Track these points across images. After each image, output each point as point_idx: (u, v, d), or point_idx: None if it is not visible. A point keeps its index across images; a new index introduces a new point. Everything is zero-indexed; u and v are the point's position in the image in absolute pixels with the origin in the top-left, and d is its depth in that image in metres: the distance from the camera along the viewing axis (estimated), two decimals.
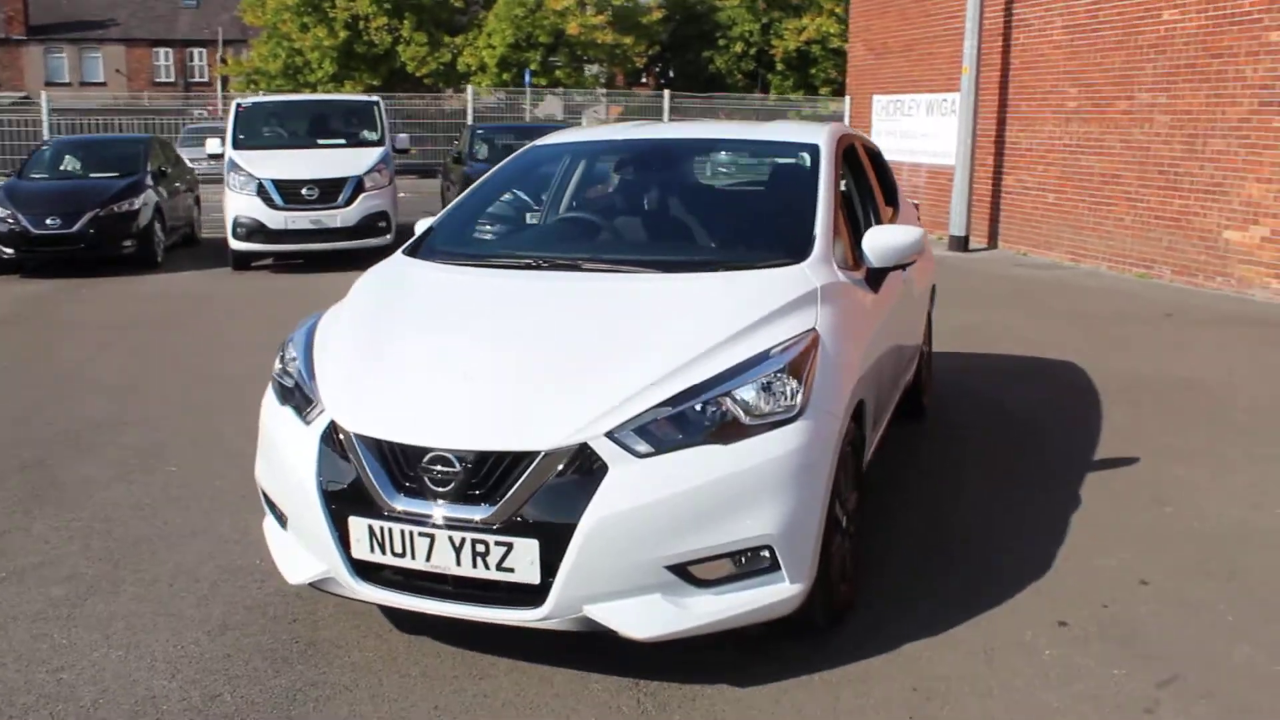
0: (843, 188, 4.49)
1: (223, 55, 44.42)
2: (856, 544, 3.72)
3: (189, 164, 15.21)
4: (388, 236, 12.31)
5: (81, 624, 3.61)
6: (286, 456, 3.27)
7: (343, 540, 3.11)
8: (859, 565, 3.76)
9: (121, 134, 17.95)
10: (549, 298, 3.67)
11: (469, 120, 20.39)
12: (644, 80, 42.75)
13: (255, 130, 12.67)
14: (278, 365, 3.64)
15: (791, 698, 3.12)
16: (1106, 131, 12.21)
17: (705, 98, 24.08)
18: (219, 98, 36.12)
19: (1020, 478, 5.10)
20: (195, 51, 49.34)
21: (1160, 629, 3.56)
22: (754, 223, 4.30)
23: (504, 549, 2.91)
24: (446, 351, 3.36)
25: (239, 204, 11.72)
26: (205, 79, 47.89)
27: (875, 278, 4.12)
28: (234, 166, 11.88)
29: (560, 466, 2.91)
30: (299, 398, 3.39)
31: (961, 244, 14.01)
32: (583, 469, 2.91)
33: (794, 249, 3.79)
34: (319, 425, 3.21)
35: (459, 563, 2.96)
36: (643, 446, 2.93)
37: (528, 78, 28.28)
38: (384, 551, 3.04)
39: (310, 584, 3.28)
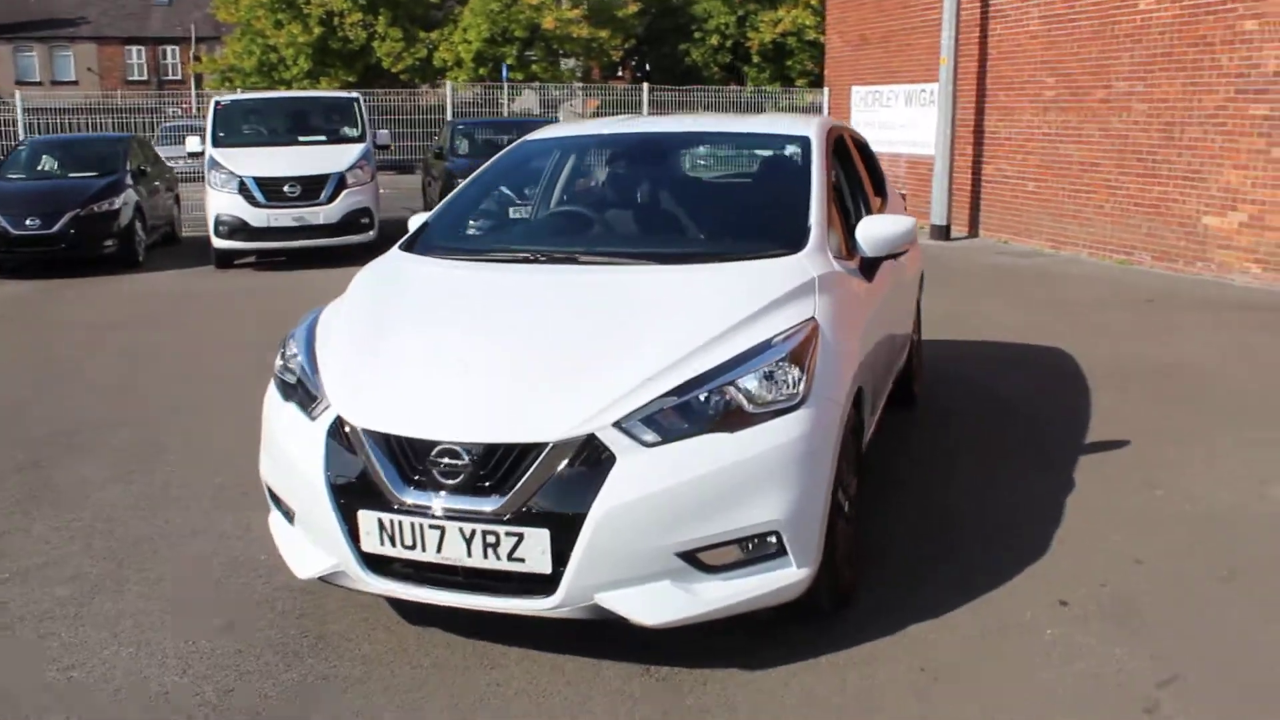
0: (833, 179, 4.53)
1: (196, 53, 44.02)
2: (857, 528, 3.77)
3: (167, 163, 15.12)
4: (370, 233, 12.30)
5: (89, 623, 3.62)
6: (292, 452, 3.29)
7: (352, 534, 3.13)
8: (859, 549, 3.81)
9: (99, 133, 17.77)
10: (550, 291, 3.70)
11: (448, 116, 20.33)
12: (620, 74, 42.71)
13: (235, 128, 12.61)
14: (279, 362, 3.65)
15: (800, 680, 3.16)
16: (1085, 120, 12.33)
17: (684, 90, 24.08)
18: (193, 96, 35.86)
19: (1013, 462, 5.17)
20: (168, 49, 48.92)
21: (1157, 607, 3.63)
22: (749, 215, 4.34)
23: (515, 539, 2.94)
24: (451, 345, 3.39)
25: (221, 202, 11.67)
26: (179, 77, 47.49)
27: (869, 267, 4.17)
28: (215, 164, 11.82)
29: (569, 457, 2.94)
30: (302, 394, 3.41)
31: (943, 233, 14.10)
32: (591, 459, 2.94)
33: (790, 240, 3.83)
34: (325, 420, 3.23)
35: (470, 554, 2.99)
36: (650, 436, 2.97)
37: (505, 73, 28.20)
38: (394, 544, 3.06)
39: (319, 578, 3.30)
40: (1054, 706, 3.03)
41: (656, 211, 4.45)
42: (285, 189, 11.66)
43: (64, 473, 5.21)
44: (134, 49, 48.58)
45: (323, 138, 12.62)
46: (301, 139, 12.52)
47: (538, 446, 2.94)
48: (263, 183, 11.63)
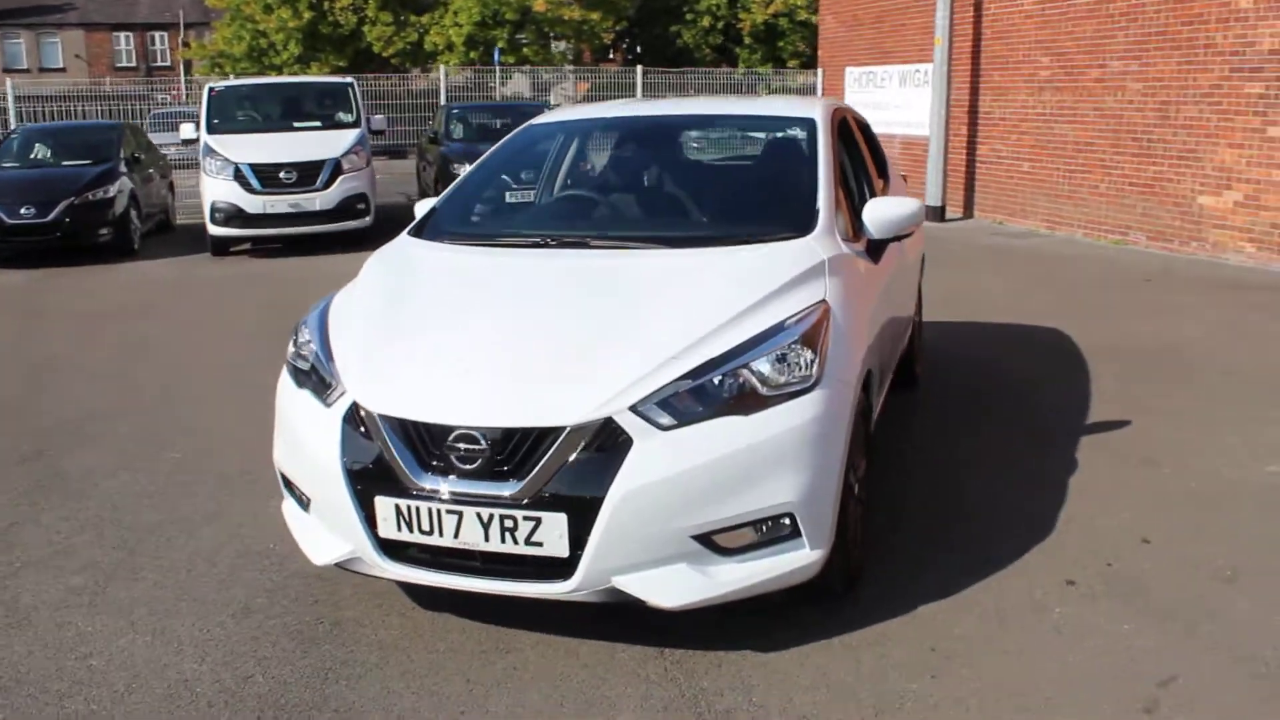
0: (839, 161, 4.54)
1: (185, 39, 43.76)
2: (865, 510, 3.80)
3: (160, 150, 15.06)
4: (367, 219, 12.28)
5: (104, 611, 3.64)
6: (308, 439, 3.30)
7: (369, 520, 3.14)
8: (868, 531, 3.84)
9: (93, 120, 17.69)
10: (562, 275, 3.71)
11: (442, 100, 20.24)
12: (611, 56, 42.55)
13: (229, 114, 12.56)
14: (291, 349, 3.65)
15: (814, 661, 3.19)
16: (1080, 100, 12.34)
17: (677, 72, 24.00)
18: (182, 82, 35.65)
19: (1016, 442, 5.20)
20: (156, 35, 48.58)
21: (1164, 585, 3.67)
22: (757, 197, 4.36)
23: (532, 524, 2.96)
24: (467, 330, 3.40)
25: (216, 189, 11.62)
26: (168, 63, 47.17)
27: (875, 249, 4.18)
28: (209, 151, 11.78)
29: (586, 441, 2.96)
30: (316, 380, 3.42)
31: (938, 214, 14.11)
32: (608, 443, 2.96)
33: (798, 223, 3.84)
34: (340, 407, 3.24)
35: (487, 538, 3.01)
36: (666, 419, 2.99)
37: (496, 56, 28.08)
38: (411, 530, 3.08)
39: (336, 565, 3.32)
40: (1067, 683, 3.06)
41: (665, 195, 4.45)
42: (281, 175, 11.62)
43: (70, 462, 5.21)
44: (122, 35, 48.23)
45: (318, 123, 12.57)
46: (296, 125, 12.47)
47: (555, 431, 2.95)
48: (258, 169, 11.59)
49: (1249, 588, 3.64)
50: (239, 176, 11.57)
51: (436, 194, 13.62)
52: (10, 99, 17.04)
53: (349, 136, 12.28)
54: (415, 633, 3.42)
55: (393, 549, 3.16)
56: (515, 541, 2.99)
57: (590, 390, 3.01)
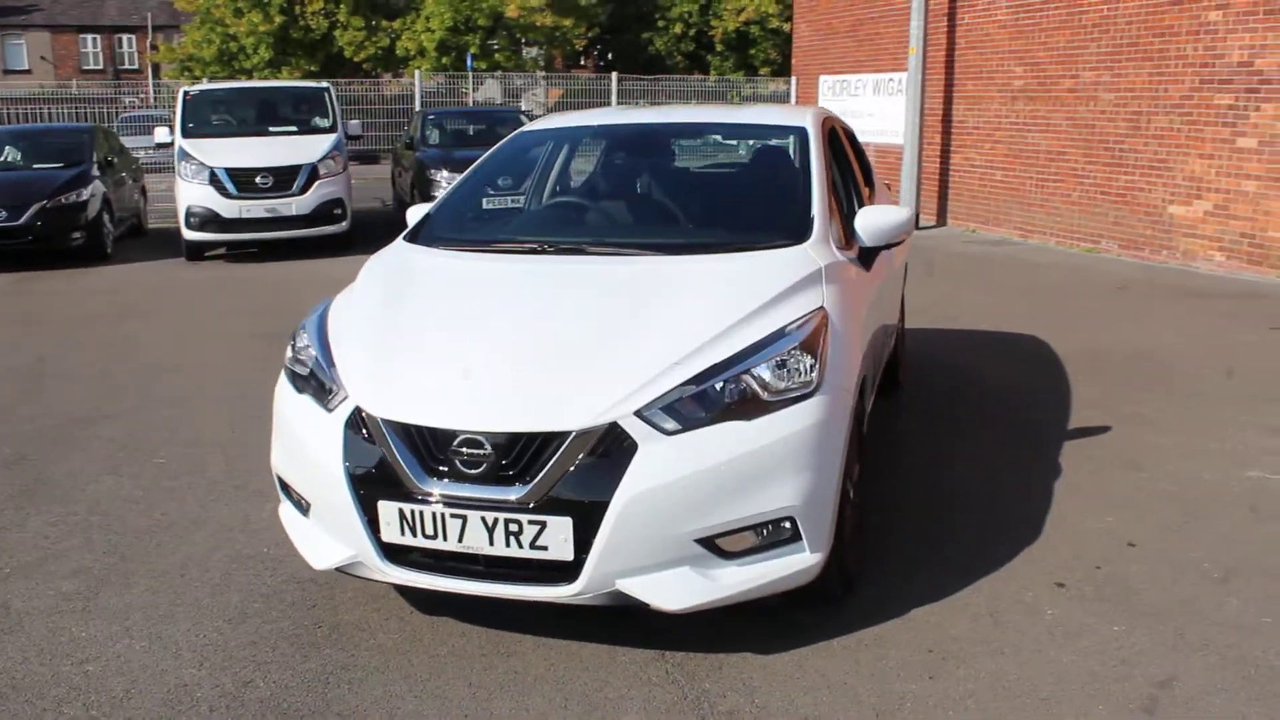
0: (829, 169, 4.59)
1: (153, 42, 43.35)
2: (859, 514, 3.84)
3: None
4: (344, 224, 12.24)
5: (98, 616, 3.61)
6: (309, 444, 3.30)
7: (371, 524, 3.14)
8: (862, 534, 3.88)
9: (64, 123, 17.51)
10: (562, 281, 3.73)
11: (416, 106, 20.21)
12: (582, 63, 42.60)
13: (204, 118, 12.47)
14: (289, 353, 3.65)
15: (814, 663, 3.23)
16: (1052, 109, 12.50)
17: (652, 79, 24.09)
18: (150, 85, 35.30)
19: (999, 448, 5.27)
20: (124, 38, 48.04)
21: (1152, 587, 3.73)
22: (751, 205, 4.39)
23: (537, 528, 2.98)
24: (469, 335, 3.41)
25: (191, 193, 11.54)
26: (135, 66, 46.67)
27: (867, 256, 4.23)
28: (185, 155, 11.69)
29: (591, 445, 2.98)
30: (316, 385, 3.41)
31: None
32: (613, 447, 2.98)
33: (794, 230, 3.88)
34: (342, 412, 3.24)
35: (492, 543, 3.02)
36: (670, 424, 3.01)
37: (469, 62, 28.03)
38: (415, 534, 3.09)
39: (336, 569, 3.31)
40: (1062, 684, 3.11)
41: (659, 202, 4.48)
42: (257, 180, 11.56)
43: (54, 467, 5.16)
44: (89, 37, 47.66)
45: (294, 128, 12.50)
46: (272, 129, 12.40)
47: (560, 435, 2.97)
48: (234, 174, 11.51)
49: (1237, 589, 3.71)
50: (214, 181, 11.49)
51: (413, 199, 13.64)
52: None
53: (326, 142, 12.23)
54: (415, 637, 3.42)
55: (395, 553, 3.16)
56: (520, 545, 3.00)
57: (595, 395, 3.03)
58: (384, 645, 3.38)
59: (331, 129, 12.58)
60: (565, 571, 3.02)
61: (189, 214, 11.57)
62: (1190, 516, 4.38)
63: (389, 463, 3.10)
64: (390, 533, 3.12)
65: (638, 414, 3.00)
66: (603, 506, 2.94)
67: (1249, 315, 8.51)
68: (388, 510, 3.10)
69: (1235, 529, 4.25)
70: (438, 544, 3.07)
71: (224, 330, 8.36)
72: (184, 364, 7.26)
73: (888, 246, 4.30)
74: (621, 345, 3.22)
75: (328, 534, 3.32)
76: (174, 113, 12.55)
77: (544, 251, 3.97)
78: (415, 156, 13.70)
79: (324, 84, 13.62)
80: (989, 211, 13.81)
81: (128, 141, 16.94)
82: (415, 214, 4.50)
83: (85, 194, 11.65)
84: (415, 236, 4.28)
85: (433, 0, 31.27)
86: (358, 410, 3.20)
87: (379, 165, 21.45)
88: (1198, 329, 8.09)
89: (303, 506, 3.44)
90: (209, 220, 11.56)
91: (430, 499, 3.04)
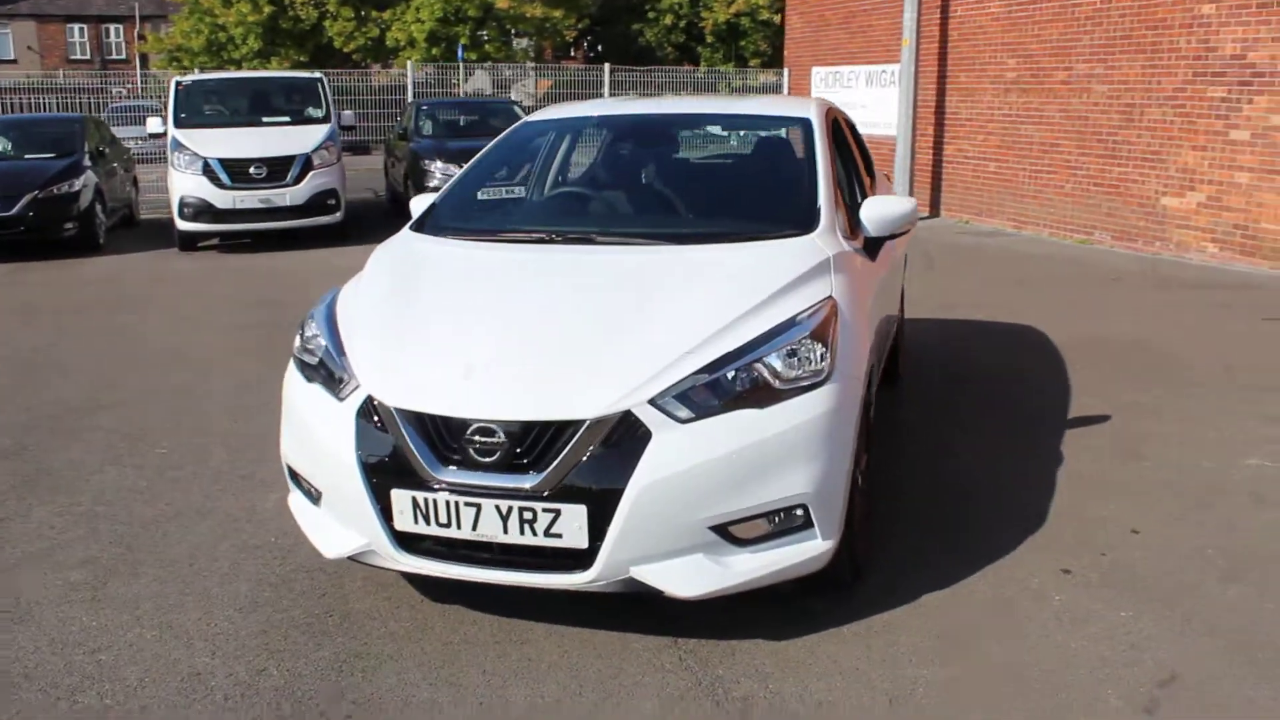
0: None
1: (141, 32, 43.06)
2: (868, 501, 3.86)
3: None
4: (337, 214, 12.20)
5: (108, 606, 3.61)
6: (321, 433, 3.30)
7: (384, 513, 3.15)
8: (869, 522, 3.90)
9: (55, 113, 17.41)
10: (572, 270, 3.74)
11: (409, 97, 20.14)
12: (572, 54, 42.51)
13: (197, 108, 12.41)
14: (297, 343, 3.65)
15: (825, 649, 3.25)
16: (1046, 101, 12.53)
17: (644, 70, 24.04)
18: (138, 75, 35.09)
19: (1001, 436, 5.30)
20: (111, 28, 47.67)
21: (1158, 573, 3.76)
22: (758, 195, 4.40)
23: (552, 515, 2.99)
24: (481, 324, 3.41)
25: (185, 184, 11.48)
26: (123, 56, 46.33)
27: (871, 246, 4.25)
28: (178, 145, 11.63)
29: (605, 434, 2.98)
30: (326, 374, 3.41)
31: None
32: (627, 435, 2.99)
33: (801, 220, 3.90)
34: (354, 401, 3.24)
35: (506, 531, 3.03)
36: (684, 413, 3.03)
37: (460, 53, 27.94)
38: (428, 523, 3.09)
39: (348, 558, 3.32)
40: (1072, 669, 3.14)
41: (665, 192, 4.49)
42: (251, 170, 11.51)
43: (55, 457, 5.15)
44: (76, 27, 47.28)
45: (287, 118, 12.45)
46: (266, 120, 12.35)
47: (574, 424, 2.98)
48: (228, 164, 11.46)
49: (1241, 575, 3.74)
50: (208, 171, 11.44)
51: (407, 190, 13.60)
52: None
53: (319, 132, 12.18)
54: (427, 625, 3.43)
55: (408, 541, 3.17)
56: (534, 533, 3.01)
57: (609, 383, 3.03)
58: (396, 633, 3.38)
59: (325, 119, 12.54)
60: (579, 559, 3.03)
61: (182, 204, 11.52)
62: (1192, 504, 4.42)
63: (402, 451, 3.10)
64: (403, 521, 3.12)
65: (651, 402, 3.01)
66: (617, 494, 2.95)
67: (1242, 306, 8.57)
68: (401, 499, 3.10)
69: (1237, 516, 4.29)
70: (451, 532, 3.08)
71: (220, 321, 8.34)
72: (181, 354, 7.24)
73: (892, 237, 4.32)
74: (634, 334, 3.23)
75: (339, 523, 3.32)
76: (165, 103, 12.48)
77: (552, 241, 3.98)
78: (409, 147, 13.65)
79: (317, 74, 13.56)
80: (982, 203, 13.85)
81: (117, 132, 16.86)
82: (420, 204, 4.50)
83: (77, 184, 11.58)
84: (421, 226, 4.28)
85: None
86: (370, 399, 3.20)
87: (370, 156, 21.36)
88: (1192, 320, 8.14)
89: (313, 495, 3.44)
90: (203, 210, 11.51)
91: (444, 487, 3.04)
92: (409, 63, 22.80)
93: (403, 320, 3.49)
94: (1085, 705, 2.96)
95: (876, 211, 4.17)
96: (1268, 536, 4.08)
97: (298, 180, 11.72)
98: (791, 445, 3.09)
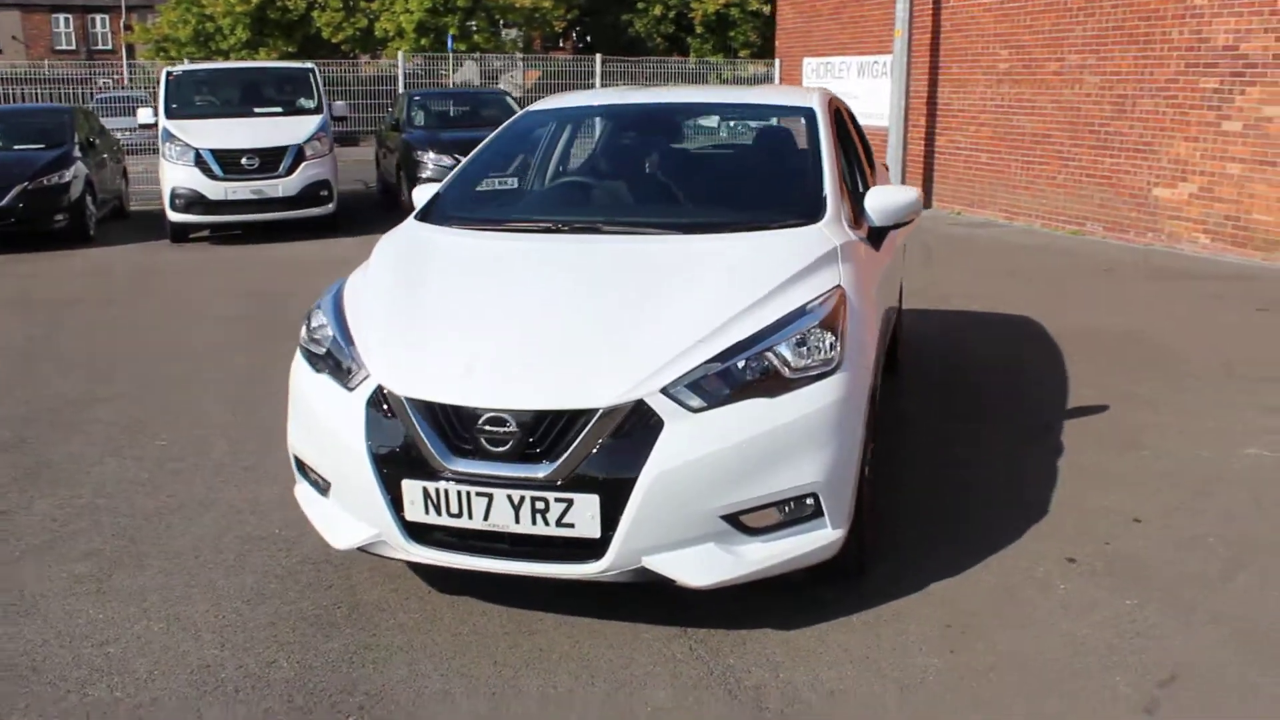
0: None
1: (127, 22, 42.77)
2: (873, 490, 3.87)
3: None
4: (329, 206, 12.16)
5: (114, 598, 3.59)
6: (331, 424, 3.29)
7: (395, 503, 3.14)
8: (876, 510, 3.91)
9: (44, 104, 17.29)
10: (580, 259, 3.73)
11: (400, 88, 20.05)
12: (561, 45, 42.37)
13: (188, 99, 12.33)
14: (304, 333, 3.63)
15: (835, 638, 3.26)
16: (1038, 92, 12.56)
17: (635, 61, 24.01)
18: (124, 66, 34.88)
19: (1000, 427, 5.32)
20: (97, 18, 47.32)
21: (1161, 563, 3.79)
22: (763, 185, 4.41)
23: (564, 505, 2.99)
24: (491, 313, 3.41)
25: (176, 175, 11.42)
26: (109, 46, 46.01)
27: (876, 236, 4.26)
28: (169, 136, 11.56)
29: (618, 423, 2.98)
30: (333, 364, 3.40)
31: None
32: (640, 425, 2.99)
33: (807, 210, 3.90)
34: (364, 391, 3.23)
35: (518, 520, 3.03)
36: (696, 401, 3.03)
37: (450, 43, 27.84)
38: (439, 513, 3.09)
39: (358, 548, 3.31)
40: (1080, 655, 3.16)
41: (671, 181, 4.48)
42: (243, 161, 11.45)
43: (54, 450, 5.12)
44: (61, 17, 46.90)
45: (279, 109, 12.38)
46: (257, 110, 12.27)
47: (587, 413, 2.98)
48: (220, 155, 11.40)
49: (1244, 564, 3.77)
50: (200, 162, 11.38)
51: (399, 181, 13.52)
52: None
53: (312, 123, 12.13)
54: (436, 616, 3.43)
55: (418, 532, 3.17)
56: (546, 523, 3.01)
57: (621, 373, 3.03)
58: (405, 624, 3.38)
59: (317, 110, 12.49)
60: (591, 549, 3.03)
61: (174, 195, 11.46)
62: (1193, 493, 4.44)
63: (413, 441, 3.09)
64: (414, 511, 3.12)
65: (664, 391, 3.01)
66: (630, 483, 2.95)
67: (1235, 297, 8.61)
68: (411, 489, 3.10)
69: (1237, 505, 4.32)
70: (462, 522, 3.08)
71: (214, 312, 8.31)
72: (176, 346, 7.21)
73: (896, 226, 4.32)
74: (644, 323, 3.23)
75: (349, 513, 3.31)
76: (154, 93, 12.39)
77: (558, 231, 3.97)
78: (401, 138, 13.60)
79: (309, 64, 13.49)
80: (974, 194, 13.88)
81: (104, 123, 16.74)
82: (424, 193, 4.48)
83: (68, 175, 11.51)
84: (426, 215, 4.27)
85: None
86: (380, 389, 3.19)
87: (359, 147, 21.28)
88: (1185, 310, 8.18)
89: (321, 486, 3.43)
90: (194, 202, 11.45)
91: (455, 477, 3.04)
92: (399, 53, 22.70)
93: (412, 310, 3.48)
94: (1096, 693, 2.97)
95: (881, 201, 4.17)
96: (1270, 525, 4.11)
97: (290, 171, 11.67)
98: (802, 434, 3.10)
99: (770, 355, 3.14)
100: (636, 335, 3.18)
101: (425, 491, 3.08)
